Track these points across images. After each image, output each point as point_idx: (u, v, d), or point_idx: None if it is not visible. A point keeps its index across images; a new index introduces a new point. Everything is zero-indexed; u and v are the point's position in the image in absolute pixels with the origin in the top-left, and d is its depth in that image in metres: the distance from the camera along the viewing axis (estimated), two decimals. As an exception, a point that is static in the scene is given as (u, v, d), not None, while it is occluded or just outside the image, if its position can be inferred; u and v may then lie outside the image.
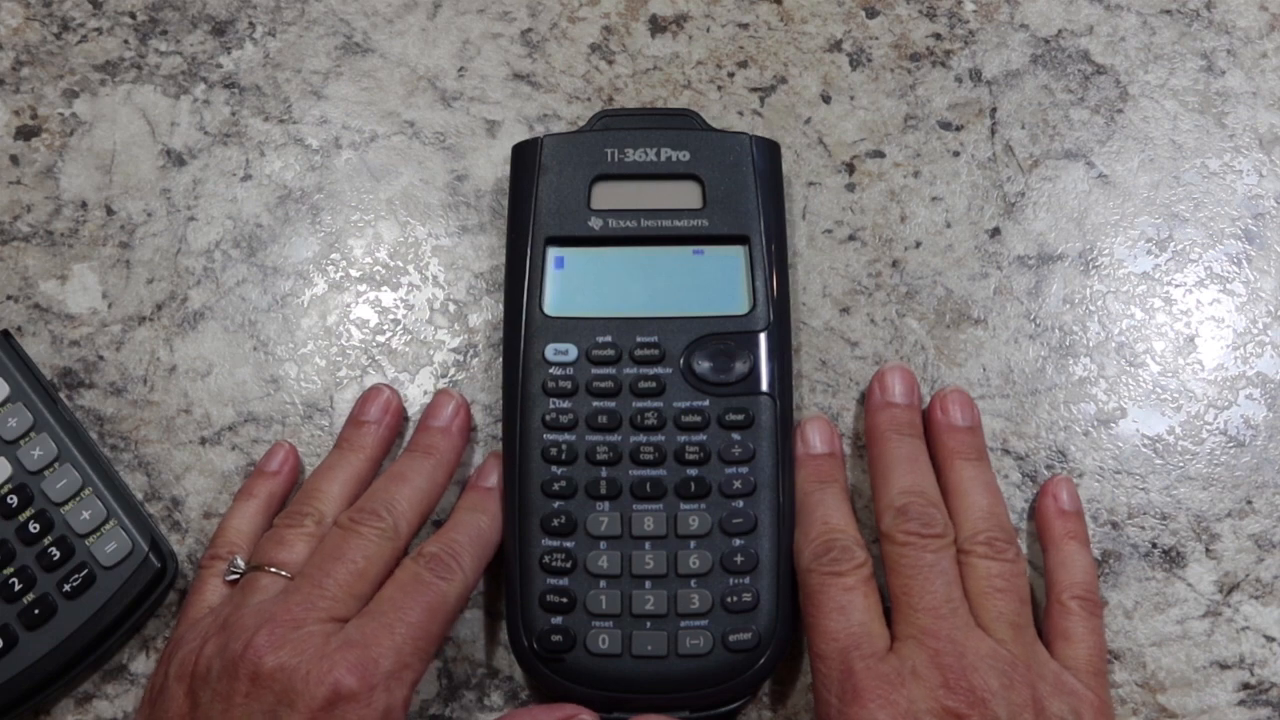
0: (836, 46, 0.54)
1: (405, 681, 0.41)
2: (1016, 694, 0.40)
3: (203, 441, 0.50)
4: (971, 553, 0.43)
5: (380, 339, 0.51)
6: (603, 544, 0.45)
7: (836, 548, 0.43)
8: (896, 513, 0.44)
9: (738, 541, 0.45)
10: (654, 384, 0.46)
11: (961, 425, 0.47)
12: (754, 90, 0.54)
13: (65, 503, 0.46)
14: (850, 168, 0.53)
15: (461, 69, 0.54)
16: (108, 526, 0.46)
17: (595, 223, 0.48)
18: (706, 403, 0.46)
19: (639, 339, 0.47)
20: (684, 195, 0.48)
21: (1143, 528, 0.49)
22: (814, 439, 0.47)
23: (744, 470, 0.46)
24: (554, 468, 0.46)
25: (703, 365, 0.47)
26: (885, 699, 0.40)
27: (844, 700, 0.40)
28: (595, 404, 0.46)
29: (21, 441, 0.47)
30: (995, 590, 0.43)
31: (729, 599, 0.45)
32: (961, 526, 0.44)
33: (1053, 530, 0.46)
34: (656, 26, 0.55)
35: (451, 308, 0.51)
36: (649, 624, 0.45)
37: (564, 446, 0.46)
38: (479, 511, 0.46)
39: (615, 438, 0.46)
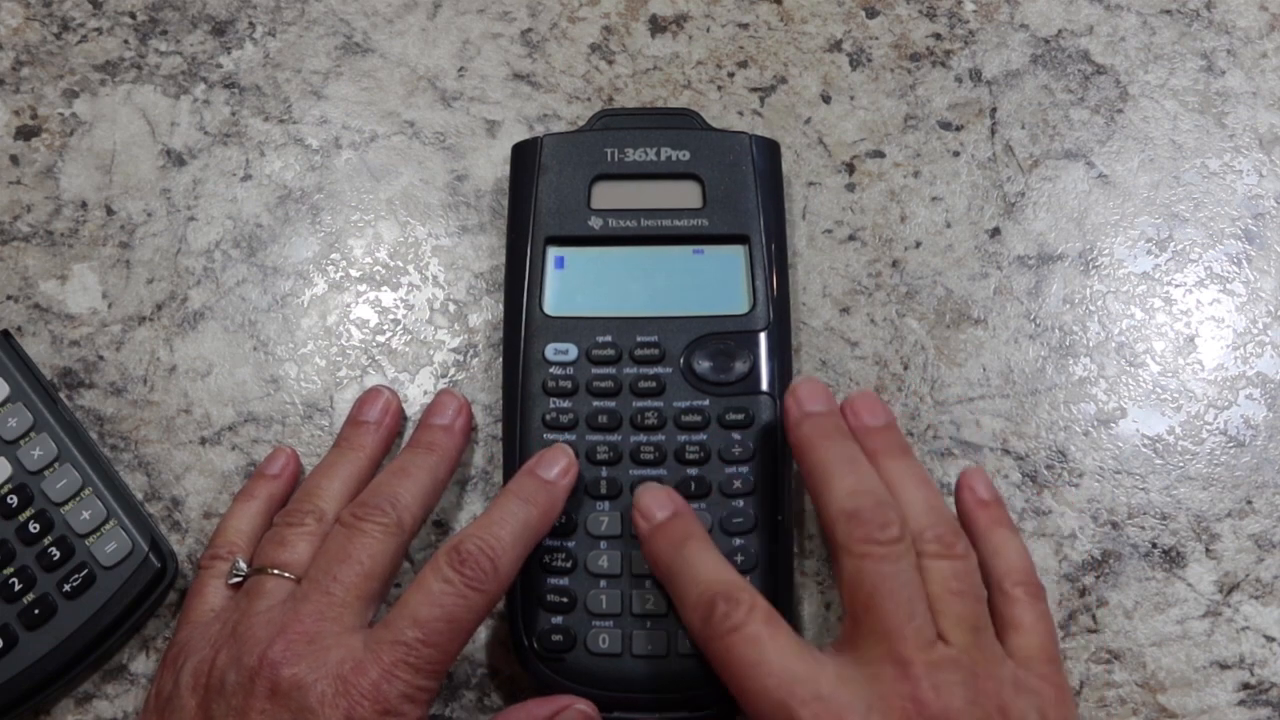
0: (836, 46, 0.54)
1: (420, 703, 0.41)
2: (980, 707, 0.38)
3: (203, 441, 0.50)
4: (924, 553, 0.41)
5: (380, 339, 0.51)
6: (603, 544, 0.45)
7: (719, 602, 0.39)
8: (848, 518, 0.40)
9: (738, 541, 0.45)
10: (654, 384, 0.46)
11: (877, 425, 0.44)
12: (754, 90, 0.54)
13: (65, 503, 0.46)
14: (850, 168, 0.53)
15: (461, 69, 0.54)
16: (108, 526, 0.46)
17: (595, 222, 0.48)
18: (706, 402, 0.46)
19: (639, 339, 0.47)
20: (684, 195, 0.48)
21: (1143, 528, 0.49)
22: (653, 508, 0.43)
23: (744, 470, 0.46)
24: (554, 468, 0.46)
25: (703, 365, 0.47)
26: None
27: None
28: (595, 404, 0.46)
29: (21, 441, 0.47)
30: (952, 593, 0.40)
31: (729, 599, 0.45)
32: (907, 526, 0.41)
33: (977, 522, 0.44)
34: (656, 26, 0.55)
35: (451, 308, 0.51)
36: (649, 624, 0.45)
37: (564, 446, 0.46)
38: (529, 504, 0.43)
39: (615, 437, 0.46)
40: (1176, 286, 0.52)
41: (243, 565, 0.45)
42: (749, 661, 0.38)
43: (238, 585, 0.45)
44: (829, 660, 0.39)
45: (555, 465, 0.45)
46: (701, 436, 0.46)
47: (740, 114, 0.53)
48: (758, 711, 0.38)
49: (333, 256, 0.52)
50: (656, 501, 0.43)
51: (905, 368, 0.50)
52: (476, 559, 0.41)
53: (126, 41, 0.54)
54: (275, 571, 0.43)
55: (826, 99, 0.54)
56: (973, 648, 0.39)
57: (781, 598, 0.45)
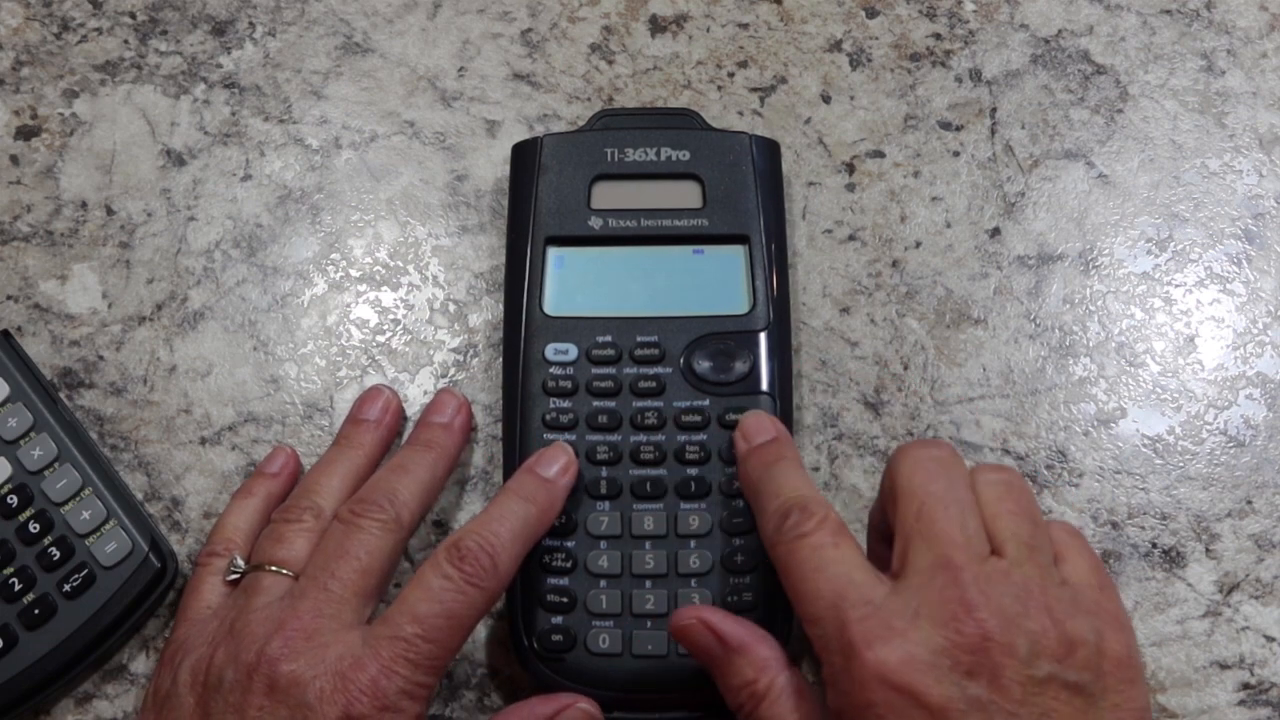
0: (836, 46, 0.54)
1: (420, 699, 0.41)
2: (1034, 621, 0.37)
3: (203, 441, 0.50)
4: (977, 471, 0.40)
5: (380, 339, 0.51)
6: (603, 543, 0.45)
7: (793, 511, 0.40)
8: (901, 449, 0.41)
9: (738, 541, 0.45)
10: (654, 384, 0.46)
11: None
12: (754, 90, 0.54)
13: (65, 503, 0.46)
14: (850, 168, 0.53)
15: (461, 69, 0.54)
16: (108, 526, 0.46)
17: (595, 222, 0.48)
18: (706, 402, 0.46)
19: (639, 339, 0.47)
20: (684, 195, 0.48)
21: (1143, 528, 0.49)
22: (762, 426, 0.44)
23: (744, 470, 0.46)
24: (554, 468, 0.46)
25: (703, 365, 0.47)
26: (890, 645, 0.36)
27: (846, 656, 0.36)
28: (595, 404, 0.46)
29: (21, 441, 0.47)
30: (1008, 512, 0.39)
31: (729, 598, 0.45)
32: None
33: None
34: (656, 26, 0.55)
35: (451, 308, 0.51)
36: (649, 623, 0.45)
37: (564, 446, 0.46)
38: (529, 502, 0.43)
39: (615, 437, 0.46)
40: (1176, 286, 0.52)
41: (240, 562, 0.45)
42: (811, 566, 0.39)
43: (235, 582, 0.45)
44: (888, 580, 0.39)
45: (555, 463, 0.45)
46: (701, 436, 0.46)
47: (740, 114, 0.53)
48: (811, 613, 0.38)
49: (333, 256, 0.52)
50: (759, 426, 0.44)
51: (905, 368, 0.50)
52: (476, 555, 0.41)
53: (126, 41, 0.54)
54: (273, 568, 0.44)
55: (826, 99, 0.54)
56: (1028, 564, 0.38)
57: (784, 597, 0.45)
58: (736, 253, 0.48)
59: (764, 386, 0.47)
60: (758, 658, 0.40)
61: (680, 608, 0.42)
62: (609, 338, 0.47)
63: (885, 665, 0.36)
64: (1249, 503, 0.49)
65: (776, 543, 0.40)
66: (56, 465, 0.47)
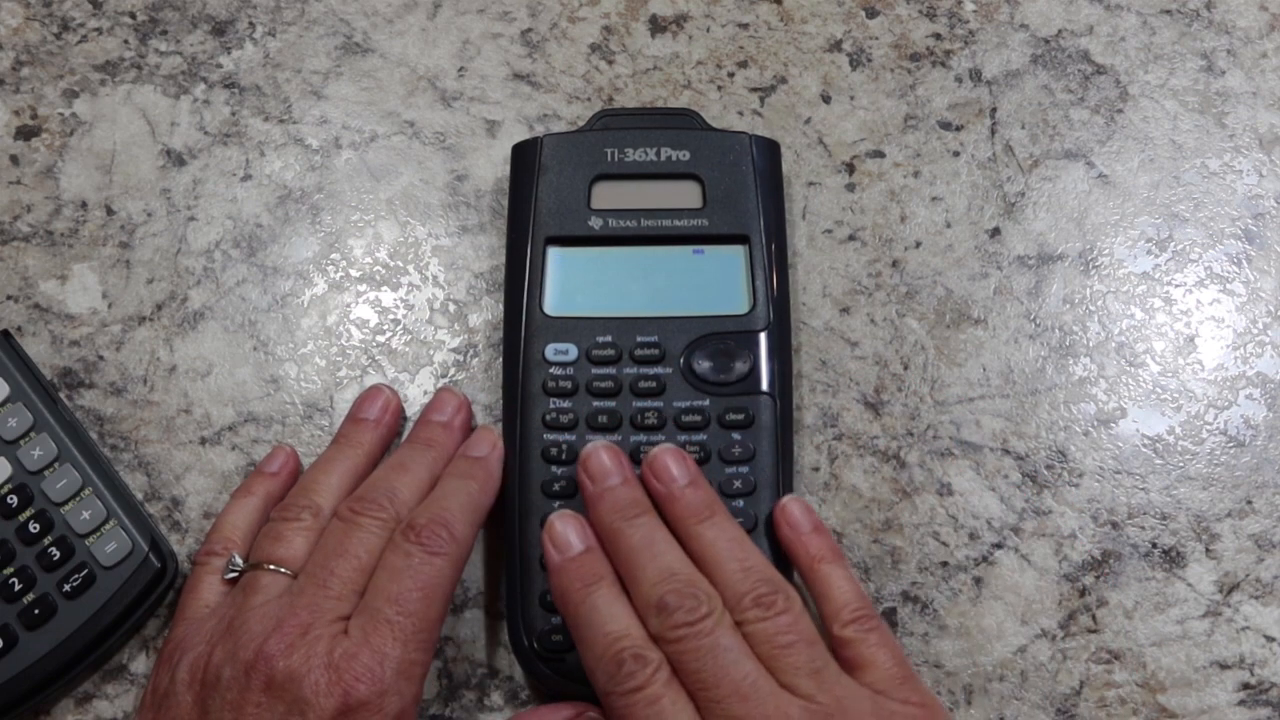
0: (836, 46, 0.54)
1: (414, 677, 0.41)
2: None
3: (203, 441, 0.50)
4: (745, 621, 0.41)
5: (380, 339, 0.51)
6: (603, 544, 0.45)
7: (626, 659, 0.39)
8: (657, 609, 0.40)
9: (738, 541, 0.45)
10: (654, 384, 0.46)
11: (683, 484, 0.43)
12: (754, 90, 0.54)
13: (65, 503, 0.46)
14: (850, 168, 0.53)
15: (461, 69, 0.54)
16: (108, 526, 0.46)
17: (595, 222, 0.48)
18: (707, 402, 0.46)
19: (639, 339, 0.47)
20: (684, 195, 0.48)
21: (1143, 528, 0.49)
22: (567, 538, 0.43)
23: (744, 470, 0.46)
24: (554, 468, 0.46)
25: (703, 365, 0.47)
26: None
27: None
28: (595, 404, 0.46)
29: (21, 441, 0.47)
30: (781, 648, 0.40)
31: (729, 599, 0.45)
32: (725, 594, 0.41)
33: (799, 559, 0.44)
34: (656, 26, 0.55)
35: (451, 308, 0.51)
36: (649, 624, 0.45)
37: (564, 446, 0.46)
38: (467, 478, 0.45)
39: (615, 438, 0.46)
40: (1176, 286, 0.52)
41: (239, 561, 0.45)
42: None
43: (234, 581, 0.45)
44: None
45: (483, 444, 0.46)
46: (701, 436, 0.46)
47: (740, 114, 0.53)
48: None
49: (333, 256, 0.52)
50: (575, 532, 0.43)
51: (905, 368, 0.50)
52: (430, 528, 0.42)
53: (126, 41, 0.54)
54: (271, 567, 0.44)
55: (826, 99, 0.54)
56: (820, 692, 0.40)
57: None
58: (736, 253, 0.48)
59: (764, 386, 0.47)
60: None
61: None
62: (609, 338, 0.47)
63: None
64: (1249, 503, 0.49)
65: (610, 693, 0.40)
66: (56, 465, 0.47)
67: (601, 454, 0.44)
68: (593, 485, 0.43)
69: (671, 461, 0.44)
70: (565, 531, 0.43)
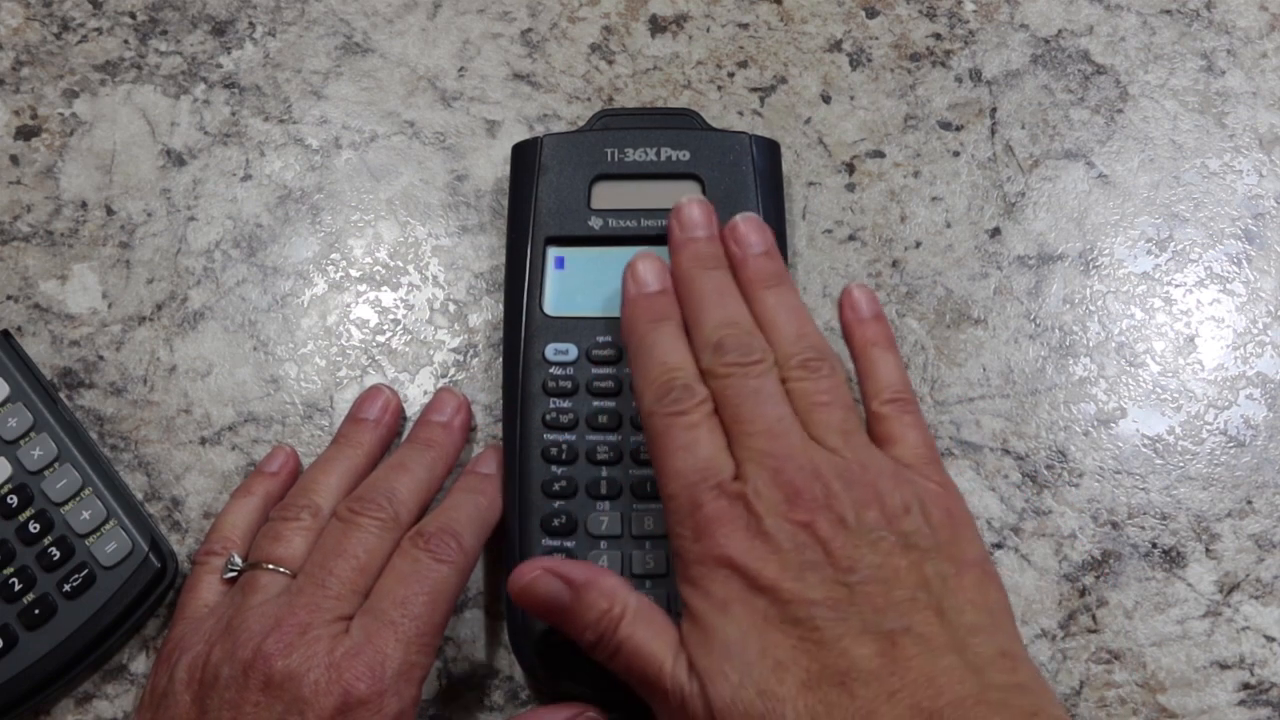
0: (836, 46, 0.54)
1: (414, 680, 0.41)
2: (857, 492, 0.40)
3: (203, 441, 0.50)
4: (789, 378, 0.43)
5: (380, 339, 0.51)
6: (603, 544, 0.45)
7: (677, 387, 0.42)
8: (714, 349, 0.42)
9: (738, 541, 0.45)
10: (654, 384, 0.46)
11: (757, 252, 0.45)
12: (754, 90, 0.54)
13: (65, 503, 0.46)
14: (850, 168, 0.53)
15: (461, 69, 0.54)
16: (108, 526, 0.46)
17: (595, 222, 0.48)
18: (706, 402, 0.46)
19: (639, 339, 0.47)
20: (684, 195, 0.48)
21: (1143, 528, 0.49)
22: (646, 277, 0.45)
23: (744, 470, 0.46)
24: (554, 468, 0.46)
25: (703, 365, 0.47)
26: (734, 524, 0.39)
27: (696, 533, 0.40)
28: (595, 404, 0.46)
29: (21, 441, 0.47)
30: (819, 405, 0.42)
31: (729, 599, 0.45)
32: (776, 353, 0.43)
33: (854, 341, 0.46)
34: (656, 26, 0.55)
35: (451, 308, 0.51)
36: (649, 624, 0.45)
37: (564, 446, 0.46)
38: (476, 493, 0.46)
39: (615, 437, 0.46)
40: (1176, 286, 0.52)
41: (238, 560, 0.45)
42: (681, 444, 0.41)
43: (233, 580, 0.45)
44: None
45: (492, 461, 0.47)
46: (701, 436, 0.46)
47: (740, 114, 0.53)
48: (672, 491, 0.41)
49: (333, 256, 0.52)
50: (653, 271, 0.45)
51: (905, 367, 0.50)
52: (439, 536, 0.43)
53: (126, 41, 0.54)
54: (270, 566, 0.44)
55: (826, 99, 0.54)
56: (845, 448, 0.41)
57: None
58: (736, 253, 0.48)
59: (764, 386, 0.47)
60: (606, 587, 0.41)
61: (517, 567, 0.42)
62: (609, 338, 0.47)
63: (727, 549, 0.39)
64: (1249, 503, 0.49)
65: (653, 413, 0.42)
66: (56, 465, 0.47)
67: (694, 206, 0.46)
68: (680, 232, 0.45)
69: (752, 229, 0.46)
70: (646, 271, 0.45)
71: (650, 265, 0.45)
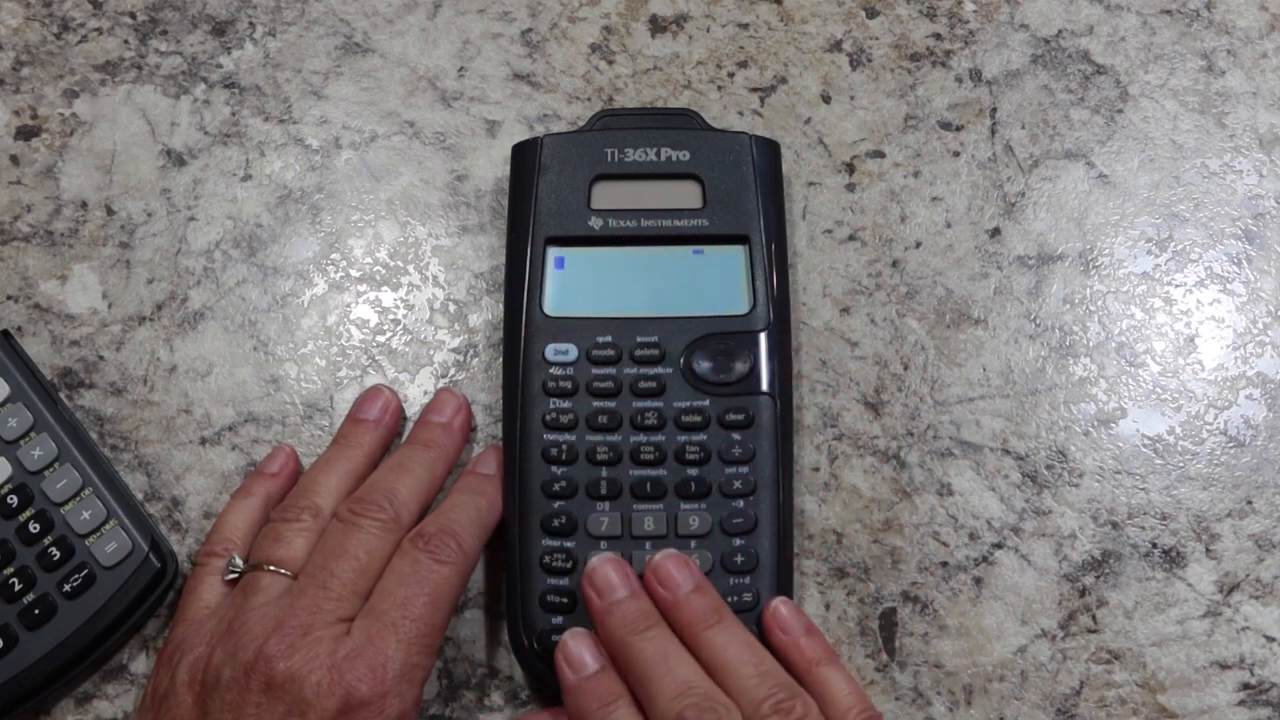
0: (836, 46, 0.54)
1: (415, 681, 0.41)
2: None
3: (203, 441, 0.50)
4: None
5: (380, 339, 0.51)
6: (603, 544, 0.45)
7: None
8: None
9: (738, 541, 0.45)
10: (654, 384, 0.46)
11: (687, 590, 0.43)
12: (754, 90, 0.54)
13: (65, 503, 0.46)
14: (850, 168, 0.53)
15: (461, 69, 0.54)
16: (108, 526, 0.46)
17: (595, 222, 0.48)
18: (707, 403, 0.46)
19: (639, 339, 0.47)
20: (684, 195, 0.48)
21: (1143, 528, 0.49)
22: (582, 658, 0.42)
23: (744, 470, 0.46)
24: (554, 468, 0.46)
25: (703, 365, 0.47)
26: None
27: None
28: (595, 404, 0.46)
29: (21, 441, 0.47)
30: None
31: (729, 598, 0.45)
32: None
33: (795, 664, 0.43)
34: (656, 26, 0.55)
35: (451, 308, 0.51)
36: (649, 624, 0.45)
37: (564, 446, 0.46)
38: (476, 494, 0.46)
39: (615, 438, 0.46)
40: (1176, 286, 0.52)
41: (239, 561, 0.45)
42: None
43: (234, 582, 0.45)
44: None
45: (492, 462, 0.47)
46: (701, 437, 0.46)
47: (740, 114, 0.53)
48: None
49: (333, 256, 0.52)
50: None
51: (905, 368, 0.50)
52: (440, 537, 0.43)
53: (126, 41, 0.54)
54: (271, 568, 0.44)
55: (826, 99, 0.54)
56: None
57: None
58: (736, 253, 0.48)
59: (764, 386, 0.47)
60: None
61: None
62: (609, 338, 0.47)
63: None
64: (1249, 503, 0.49)
65: None
66: (56, 465, 0.47)
67: (607, 568, 0.43)
68: (600, 600, 0.43)
69: (674, 568, 0.43)
70: (579, 651, 0.42)
71: (582, 644, 0.43)
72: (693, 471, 0.46)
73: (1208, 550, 0.49)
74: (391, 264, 0.52)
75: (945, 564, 0.48)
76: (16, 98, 0.54)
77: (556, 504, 0.46)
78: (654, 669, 0.41)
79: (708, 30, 0.55)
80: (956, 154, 0.53)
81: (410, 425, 0.49)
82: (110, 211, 0.52)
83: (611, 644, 0.42)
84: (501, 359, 0.48)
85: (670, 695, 0.40)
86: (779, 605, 0.44)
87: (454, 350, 0.51)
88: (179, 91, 0.54)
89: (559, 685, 0.43)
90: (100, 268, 0.52)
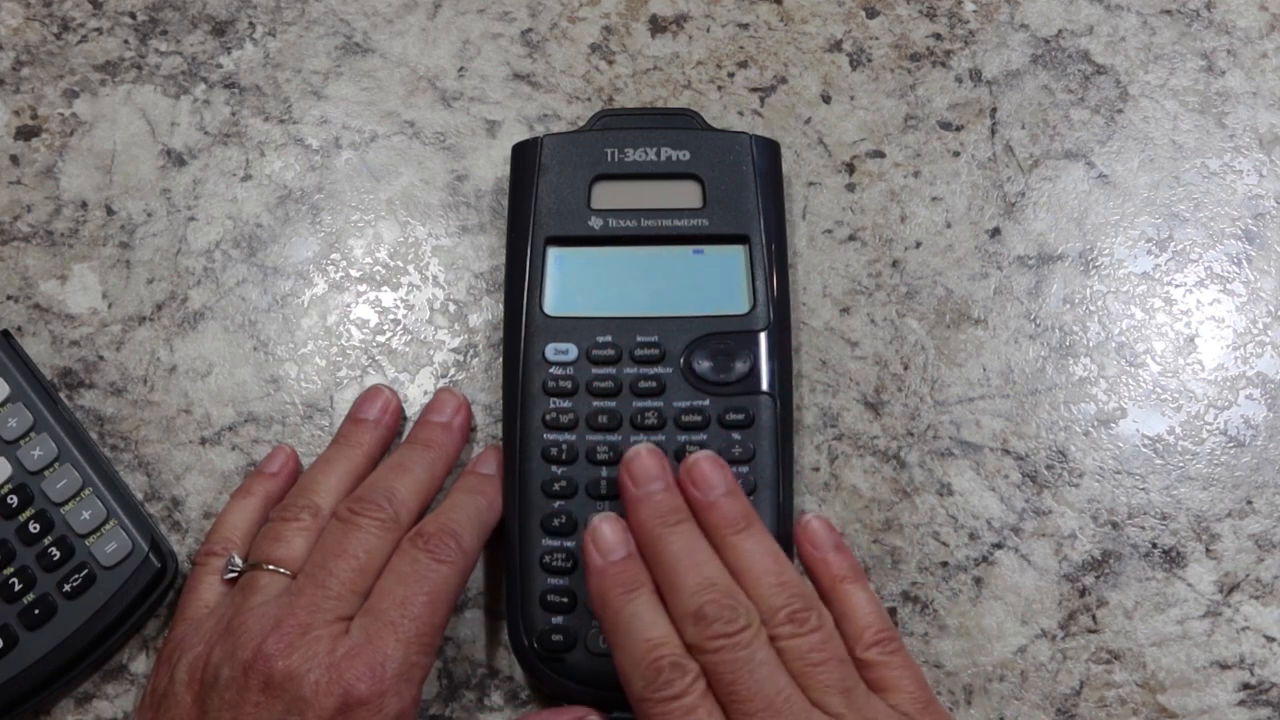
0: (836, 46, 0.54)
1: (414, 680, 0.41)
2: None
3: (203, 441, 0.50)
4: (778, 636, 0.41)
5: (380, 339, 0.51)
6: (603, 544, 0.45)
7: (665, 667, 0.40)
8: (695, 619, 0.40)
9: (738, 541, 0.45)
10: (654, 384, 0.46)
11: (720, 494, 0.43)
12: (754, 90, 0.54)
13: (65, 503, 0.46)
14: (850, 168, 0.53)
15: (461, 69, 0.54)
16: (108, 526, 0.46)
17: (595, 222, 0.48)
18: (707, 402, 0.46)
19: (639, 339, 0.47)
20: (684, 195, 0.48)
21: (1143, 528, 0.49)
22: (610, 543, 0.43)
23: (744, 470, 0.46)
24: (554, 467, 0.46)
25: (703, 365, 0.47)
26: None
27: None
28: (595, 404, 0.46)
29: (21, 441, 0.47)
30: (813, 665, 0.41)
31: (729, 599, 0.45)
32: (759, 607, 0.41)
33: (820, 578, 0.44)
34: (656, 26, 0.55)
35: (451, 308, 0.51)
36: (649, 624, 0.45)
37: (564, 446, 0.46)
38: (476, 494, 0.46)
39: (615, 437, 0.46)
40: (1176, 286, 0.52)
41: (238, 561, 0.45)
42: None
43: (233, 581, 0.45)
44: None
45: (492, 461, 0.47)
46: (702, 436, 0.46)
47: (740, 114, 0.53)
48: None
49: (333, 256, 0.52)
50: (616, 537, 0.43)
51: (905, 368, 0.50)
52: (439, 536, 0.43)
53: (126, 41, 0.54)
54: (270, 567, 0.44)
55: (826, 99, 0.54)
56: (849, 711, 0.40)
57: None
58: (736, 253, 0.48)
59: (764, 386, 0.47)
60: None
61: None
62: (609, 338, 0.47)
63: None
64: (1249, 503, 0.49)
65: (644, 699, 0.40)
66: (56, 465, 0.47)
67: (645, 457, 0.44)
68: (634, 488, 0.43)
69: (711, 469, 0.43)
70: (609, 536, 0.43)
71: (612, 529, 0.43)
72: (693, 471, 0.46)
73: (1208, 550, 0.49)
74: (391, 264, 0.52)
75: (945, 564, 0.48)
76: (16, 98, 0.54)
77: (556, 504, 0.46)
78: (680, 561, 0.42)
79: (708, 30, 0.55)
80: (956, 154, 0.53)
81: (410, 425, 0.49)
82: (110, 211, 0.52)
83: (641, 533, 0.43)
84: (501, 359, 0.48)
85: (693, 589, 0.41)
86: (810, 519, 0.45)
87: (454, 350, 0.51)
88: (179, 91, 0.54)
89: (585, 567, 0.43)
90: (100, 268, 0.52)
